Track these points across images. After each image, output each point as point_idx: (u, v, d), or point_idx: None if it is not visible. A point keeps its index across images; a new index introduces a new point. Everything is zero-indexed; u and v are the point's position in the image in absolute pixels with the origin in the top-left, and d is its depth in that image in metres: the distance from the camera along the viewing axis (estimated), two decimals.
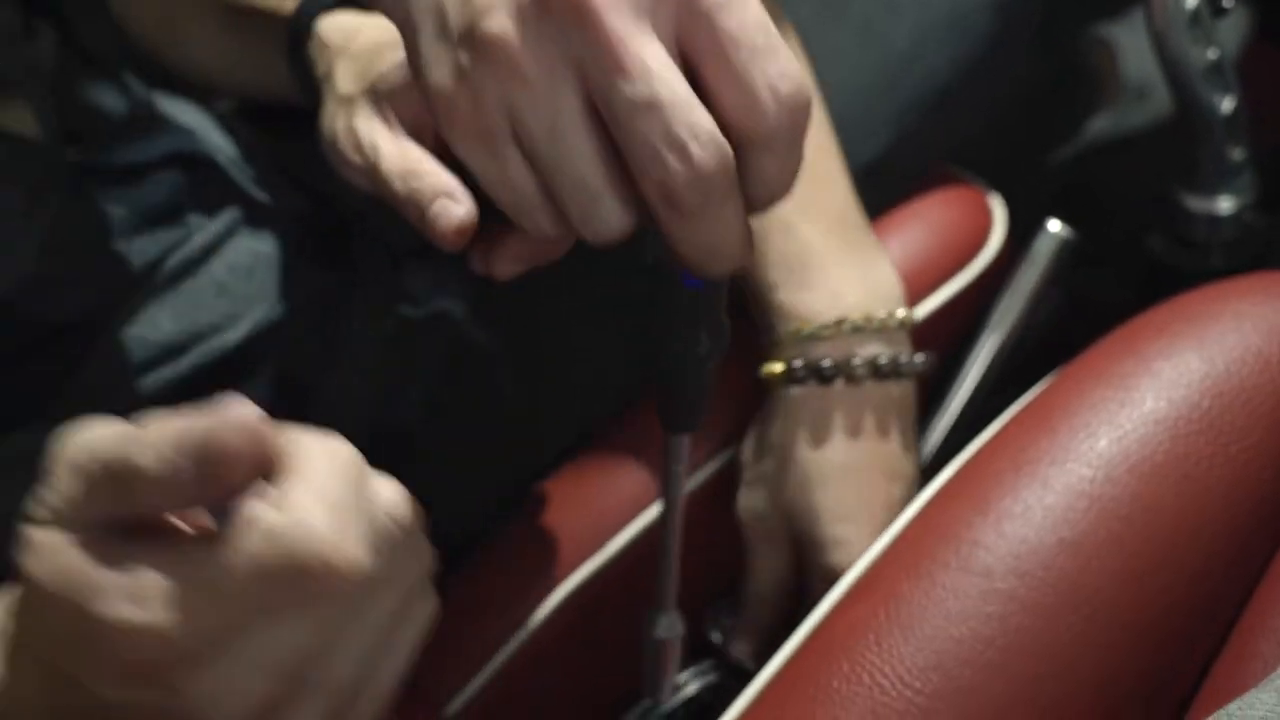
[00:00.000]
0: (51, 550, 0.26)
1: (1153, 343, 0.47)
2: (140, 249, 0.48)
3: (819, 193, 0.52)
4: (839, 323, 0.50)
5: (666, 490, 0.42)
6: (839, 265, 0.51)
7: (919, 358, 0.52)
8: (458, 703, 0.54)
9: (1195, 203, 0.67)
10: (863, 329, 0.50)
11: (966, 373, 0.61)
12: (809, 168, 0.50)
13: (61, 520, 0.26)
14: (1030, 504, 0.43)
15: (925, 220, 0.63)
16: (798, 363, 0.51)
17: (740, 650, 0.54)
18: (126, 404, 0.47)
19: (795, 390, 0.51)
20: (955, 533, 0.43)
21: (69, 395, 0.47)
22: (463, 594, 0.55)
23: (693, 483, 0.56)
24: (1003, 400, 0.52)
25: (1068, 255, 0.62)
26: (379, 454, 0.57)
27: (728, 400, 0.58)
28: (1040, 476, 0.44)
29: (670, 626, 0.45)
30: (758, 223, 0.48)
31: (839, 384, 0.50)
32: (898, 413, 0.52)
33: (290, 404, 0.53)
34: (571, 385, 0.58)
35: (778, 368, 0.51)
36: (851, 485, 0.50)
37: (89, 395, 0.47)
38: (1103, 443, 0.44)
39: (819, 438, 0.51)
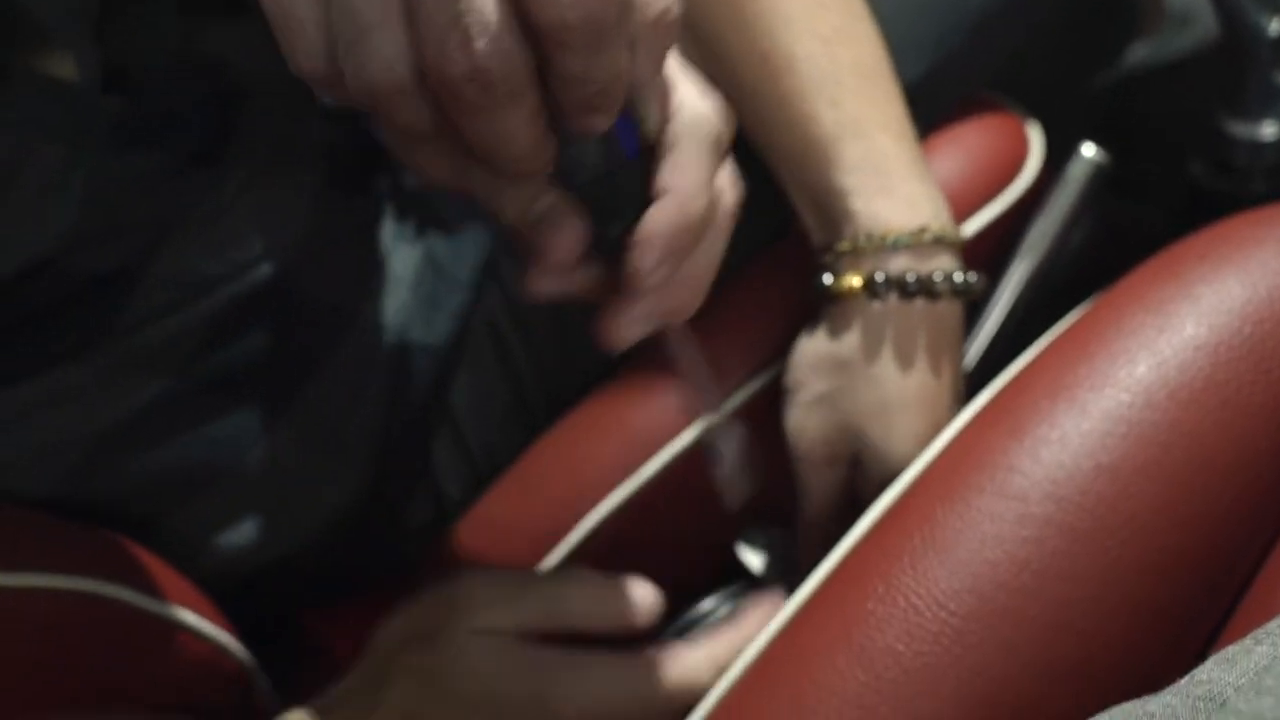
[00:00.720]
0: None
1: (1194, 268, 0.46)
2: (179, 191, 0.48)
3: (887, 105, 0.51)
4: (920, 231, 0.49)
5: None
6: (911, 176, 0.50)
7: (974, 276, 0.51)
8: None
9: (1238, 128, 0.66)
10: (941, 239, 0.50)
11: (999, 299, 0.61)
12: (874, 78, 0.51)
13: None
14: (1067, 430, 0.43)
15: (962, 145, 0.62)
16: (879, 275, 0.49)
17: (781, 574, 0.54)
18: (165, 339, 0.48)
19: (875, 305, 0.50)
20: (991, 459, 0.43)
21: (113, 333, 0.48)
22: (493, 518, 0.56)
23: (727, 405, 0.56)
24: (1036, 327, 0.51)
25: (1102, 179, 0.61)
26: (418, 375, 0.57)
27: (762, 322, 0.58)
28: (1078, 402, 0.44)
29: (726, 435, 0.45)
30: (829, 128, 0.49)
31: (920, 301, 0.50)
32: (960, 332, 0.52)
33: (329, 331, 0.53)
34: None
35: (855, 281, 0.50)
36: (928, 409, 0.50)
37: (130, 334, 0.48)
38: (1141, 369, 0.44)
39: (901, 357, 0.50)
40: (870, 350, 0.50)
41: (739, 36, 0.51)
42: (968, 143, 0.62)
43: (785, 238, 0.60)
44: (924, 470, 0.46)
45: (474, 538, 0.59)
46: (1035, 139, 0.63)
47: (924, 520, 0.43)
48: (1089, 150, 0.61)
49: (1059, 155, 0.63)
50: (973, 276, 0.51)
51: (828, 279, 0.51)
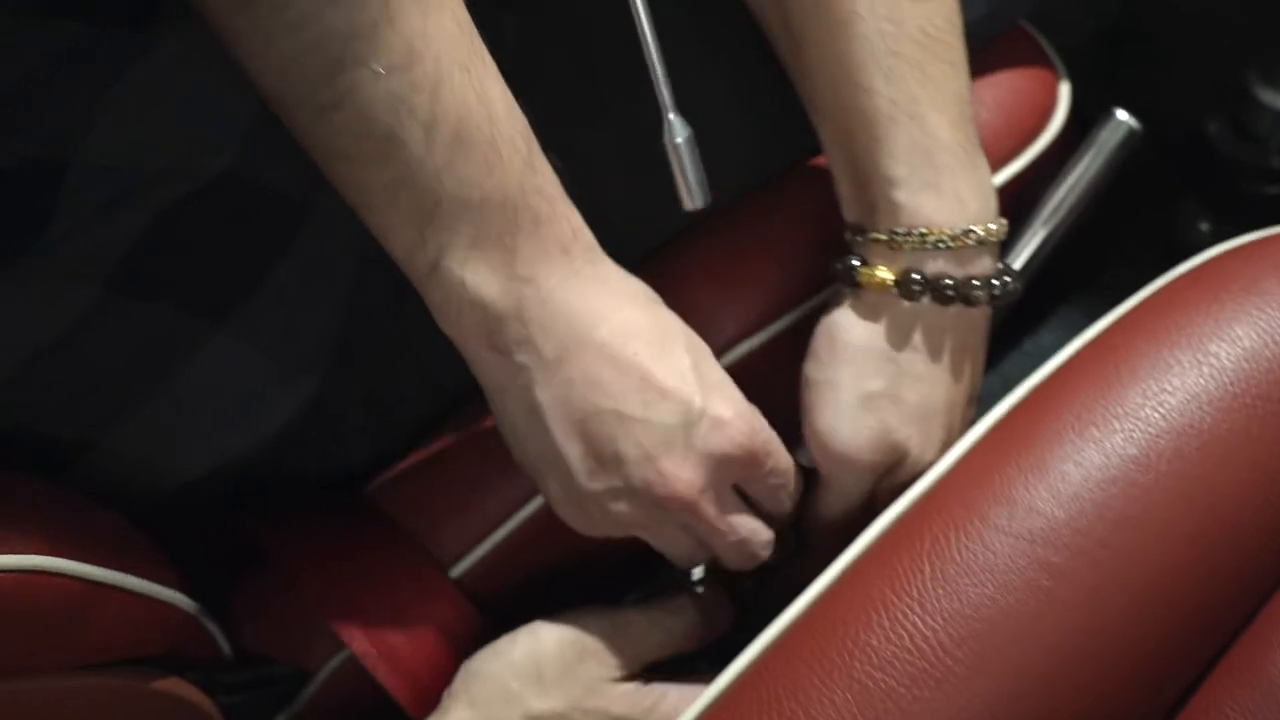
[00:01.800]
0: None
1: (1236, 299, 0.44)
2: (102, 67, 0.42)
3: (947, 78, 0.45)
4: (966, 234, 0.45)
5: None
6: (963, 167, 0.45)
7: (1014, 281, 0.48)
8: (463, 565, 0.52)
9: (1267, 95, 0.63)
10: (984, 242, 0.45)
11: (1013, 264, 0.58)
12: (939, 47, 0.45)
13: None
14: (1091, 472, 0.41)
15: (992, 91, 0.58)
16: (915, 275, 0.45)
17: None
18: (100, 243, 0.45)
19: (907, 305, 0.46)
20: (1009, 492, 0.41)
21: (38, 236, 0.43)
22: (476, 456, 0.53)
23: (741, 350, 0.54)
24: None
25: (1133, 146, 0.58)
26: (377, 281, 0.53)
27: (779, 262, 0.54)
28: (1105, 441, 0.42)
29: (680, 128, 0.44)
30: (881, 104, 0.44)
31: (956, 307, 0.46)
32: (987, 335, 0.49)
33: (282, 226, 0.49)
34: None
35: (888, 275, 0.46)
36: (953, 416, 0.48)
37: (59, 238, 0.43)
38: (1174, 413, 0.42)
39: (933, 360, 0.47)
40: (903, 352, 0.47)
41: None
42: (999, 89, 0.58)
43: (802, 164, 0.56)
44: (939, 484, 0.44)
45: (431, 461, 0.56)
46: (1064, 92, 0.59)
47: (933, 551, 0.41)
48: (1123, 115, 0.57)
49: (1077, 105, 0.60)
50: (1012, 283, 0.47)
51: (857, 264, 0.47)
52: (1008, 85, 0.58)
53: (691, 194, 0.45)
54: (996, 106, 0.57)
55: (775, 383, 0.54)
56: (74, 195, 0.43)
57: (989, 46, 0.57)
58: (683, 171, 0.45)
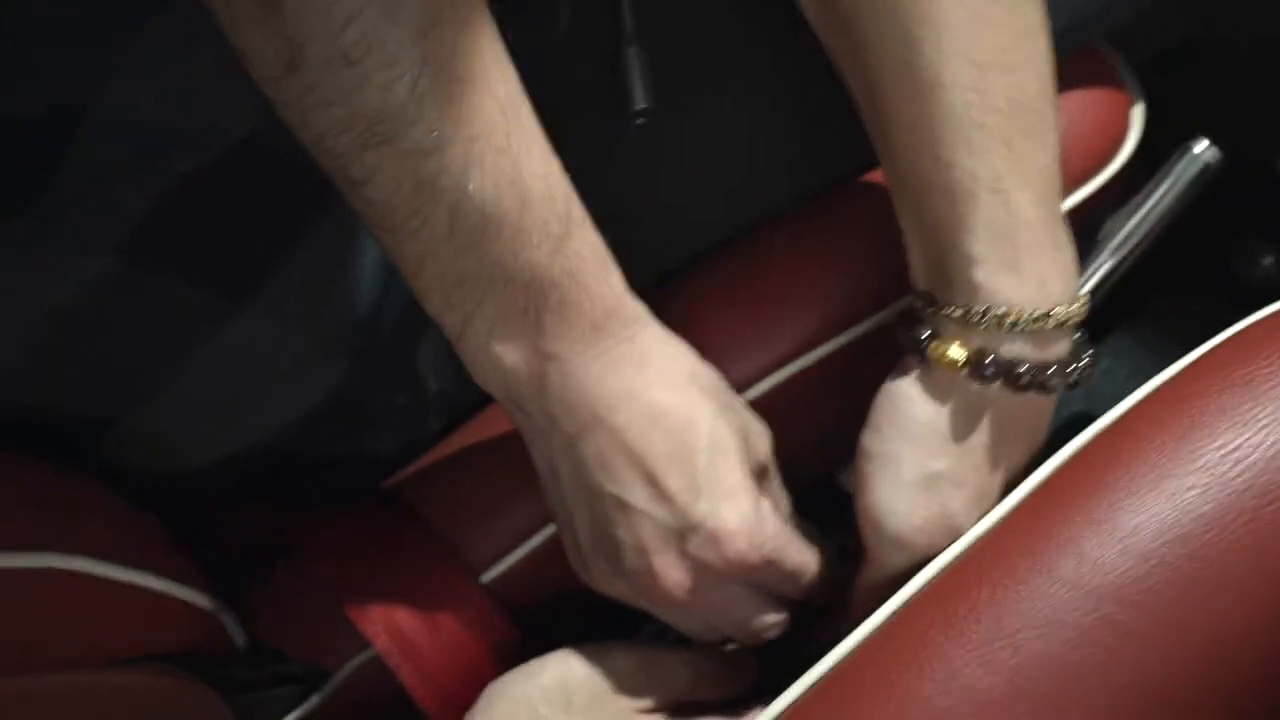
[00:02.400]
0: None
1: None
2: (110, 15, 0.41)
3: (1035, 150, 0.43)
4: (1045, 317, 0.42)
5: None
6: (1046, 246, 0.43)
7: (1090, 362, 0.45)
8: (495, 572, 0.51)
9: None
10: (1063, 324, 0.43)
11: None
12: (1028, 118, 0.42)
13: None
14: (1164, 529, 0.39)
15: (1063, 114, 0.55)
16: (989, 358, 0.42)
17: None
18: (115, 206, 0.44)
19: (976, 387, 0.43)
20: (1076, 544, 0.40)
21: (49, 190, 0.42)
22: (509, 461, 0.51)
23: (788, 371, 0.52)
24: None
25: (1209, 179, 0.56)
26: None
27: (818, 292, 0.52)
28: (1178, 497, 0.40)
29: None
30: (962, 179, 0.42)
31: (1030, 394, 0.44)
32: (1050, 417, 0.47)
33: (309, 197, 0.48)
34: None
35: (959, 354, 0.43)
36: (1002, 495, 0.46)
37: (72, 197, 0.43)
38: (1252, 469, 0.40)
39: (998, 445, 0.44)
40: (970, 434, 0.44)
41: (879, 30, 0.42)
42: (1070, 109, 0.56)
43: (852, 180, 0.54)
44: (999, 529, 0.42)
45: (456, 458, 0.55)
46: (1137, 115, 0.57)
47: (996, 600, 0.39)
48: (1201, 146, 0.55)
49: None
50: (1088, 364, 0.44)
51: (927, 336, 0.44)
52: (1079, 106, 0.56)
53: (642, 96, 0.48)
54: (1067, 128, 0.55)
55: (821, 408, 0.52)
56: (87, 149, 0.42)
57: (1061, 65, 0.55)
58: (636, 79, 0.48)
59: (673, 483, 0.42)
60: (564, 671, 0.46)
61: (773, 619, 0.47)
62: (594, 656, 0.47)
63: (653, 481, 0.42)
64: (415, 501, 0.52)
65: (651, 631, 0.52)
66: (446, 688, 0.49)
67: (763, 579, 0.45)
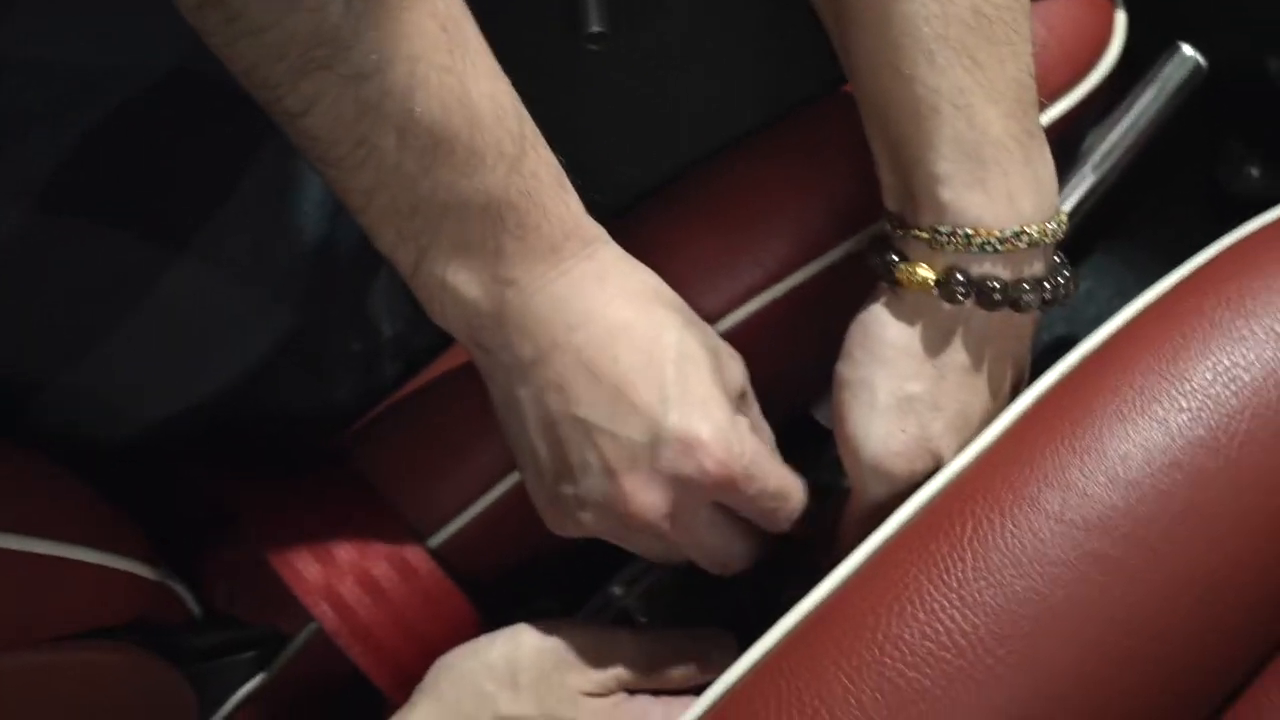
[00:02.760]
0: None
1: None
2: None
3: (1003, 63, 0.40)
4: (1017, 236, 0.40)
5: None
6: (1016, 162, 0.40)
7: (1068, 280, 0.43)
8: (442, 536, 0.49)
9: None
10: (1037, 244, 0.41)
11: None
12: (995, 29, 0.39)
13: None
14: (1153, 455, 0.37)
15: (1044, 22, 0.52)
16: (958, 276, 0.40)
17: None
18: (33, 152, 0.42)
19: (948, 308, 0.41)
20: (1062, 475, 0.37)
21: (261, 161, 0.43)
22: (458, 421, 0.49)
23: (757, 304, 0.49)
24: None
25: (1195, 86, 0.53)
26: None
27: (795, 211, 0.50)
28: (1169, 421, 0.38)
29: None
30: (924, 94, 0.40)
31: (1003, 311, 0.41)
32: (1031, 338, 0.45)
33: (246, 131, 0.45)
34: None
35: (928, 274, 0.41)
36: (993, 419, 0.43)
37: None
38: (1247, 389, 0.38)
39: (975, 367, 0.42)
40: (944, 355, 0.42)
41: None
42: (1051, 17, 0.53)
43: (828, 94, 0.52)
44: (982, 461, 0.40)
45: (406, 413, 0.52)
46: (1120, 22, 0.54)
47: (976, 535, 0.37)
48: (1188, 50, 0.52)
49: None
50: (1067, 281, 0.42)
51: (895, 259, 0.42)
52: (1061, 13, 0.53)
53: (596, 18, 0.45)
54: (1045, 38, 0.52)
55: (795, 339, 0.50)
56: None
57: None
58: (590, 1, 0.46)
59: (640, 396, 0.40)
60: (512, 649, 0.45)
61: (742, 552, 0.45)
62: (545, 634, 0.45)
63: (618, 398, 0.40)
64: (360, 463, 0.50)
65: (595, 606, 0.50)
66: (398, 659, 0.47)
67: (741, 500, 0.43)
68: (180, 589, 0.45)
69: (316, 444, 0.52)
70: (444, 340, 0.55)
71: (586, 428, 0.40)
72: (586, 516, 0.43)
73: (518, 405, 0.42)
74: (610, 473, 0.41)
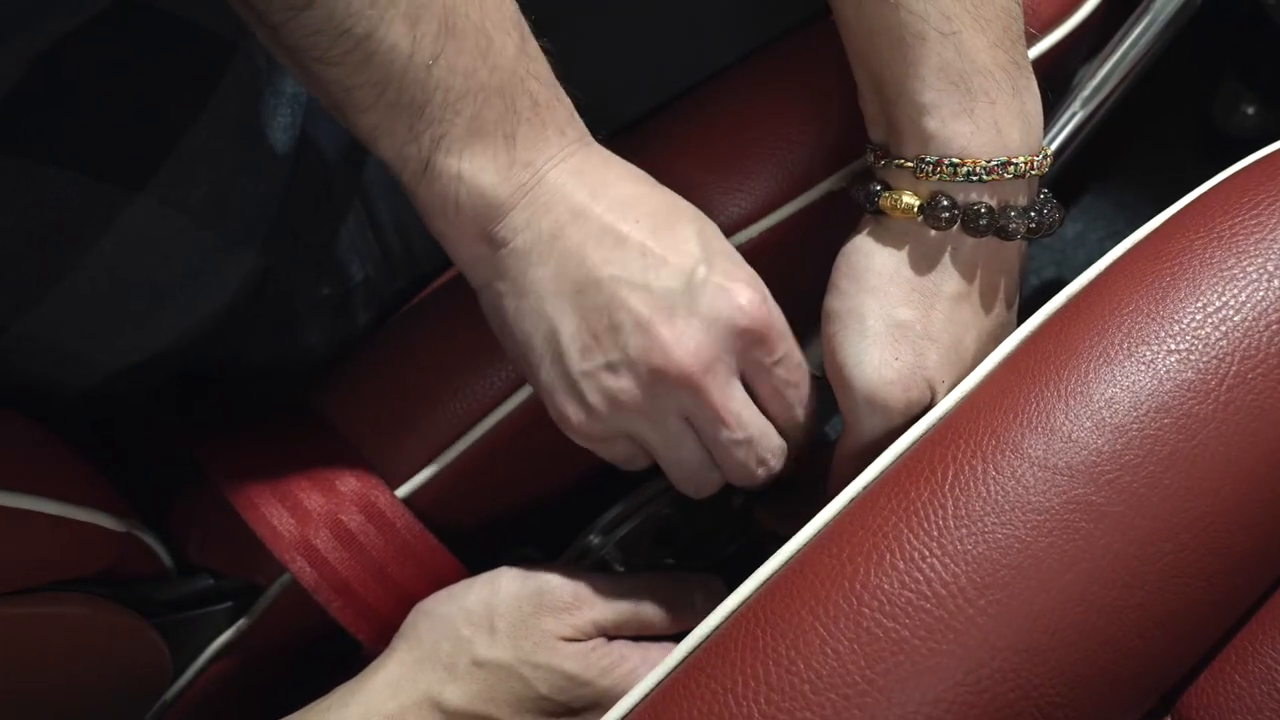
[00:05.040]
0: None
1: None
2: None
3: None
4: (1003, 166, 0.39)
5: None
6: (1003, 92, 0.39)
7: (1054, 209, 0.42)
8: (410, 485, 0.48)
9: None
10: (1023, 175, 0.40)
11: (1055, 138, 0.52)
12: None
13: None
14: (1141, 399, 0.36)
15: None
16: (943, 200, 0.40)
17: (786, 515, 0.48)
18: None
19: (934, 234, 0.41)
20: (1046, 419, 0.36)
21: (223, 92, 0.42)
22: (429, 369, 0.48)
23: (763, 225, 0.49)
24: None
25: (1186, 18, 0.52)
26: (322, 135, 0.48)
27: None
28: (1157, 363, 0.37)
29: None
30: (909, 20, 0.38)
31: (989, 238, 0.40)
32: (1020, 266, 0.44)
33: (202, 67, 0.44)
34: None
35: (912, 200, 0.40)
36: (981, 356, 0.42)
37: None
38: (1237, 330, 0.37)
39: (965, 300, 0.41)
40: (933, 280, 0.41)
41: None
42: None
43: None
44: (964, 405, 0.39)
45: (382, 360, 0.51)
46: None
47: (958, 480, 0.36)
48: None
49: None
50: (1052, 212, 0.41)
51: (878, 189, 0.41)
52: None
53: None
54: None
55: (783, 274, 0.49)
56: None
57: None
58: None
59: (670, 248, 0.40)
60: (489, 594, 0.44)
61: (774, 440, 0.44)
62: (523, 579, 0.45)
63: (647, 252, 0.40)
64: (329, 414, 0.49)
65: (572, 554, 0.50)
66: (378, 610, 0.46)
67: (766, 365, 0.42)
68: (151, 540, 0.44)
69: (288, 395, 0.51)
70: (413, 288, 0.54)
71: (617, 283, 0.40)
72: (618, 385, 0.41)
73: (534, 290, 0.40)
74: (646, 326, 0.40)
